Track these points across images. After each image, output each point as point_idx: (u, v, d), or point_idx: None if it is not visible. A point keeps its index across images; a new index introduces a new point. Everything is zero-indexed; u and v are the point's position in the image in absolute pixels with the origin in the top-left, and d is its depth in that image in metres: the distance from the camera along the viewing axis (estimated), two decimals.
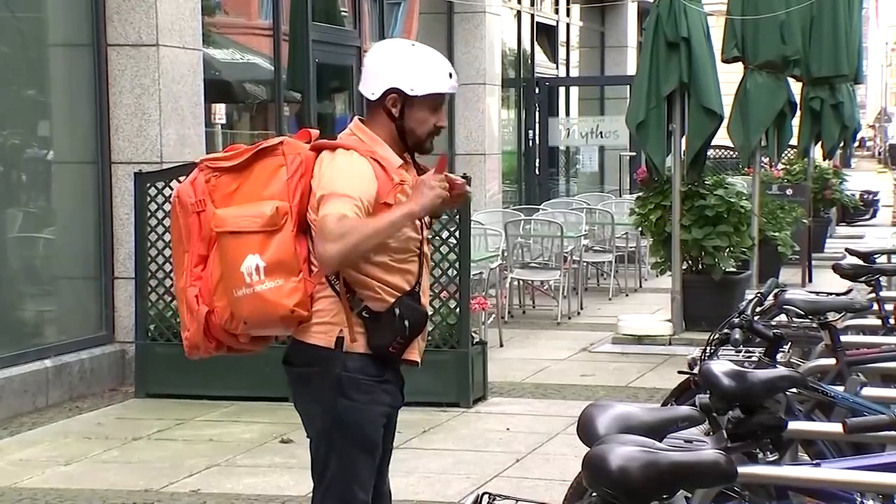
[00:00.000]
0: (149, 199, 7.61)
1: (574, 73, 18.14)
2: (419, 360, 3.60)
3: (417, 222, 3.51)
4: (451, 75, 3.53)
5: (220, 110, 9.89)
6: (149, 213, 7.61)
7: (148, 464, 6.05)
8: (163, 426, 6.81)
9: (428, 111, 3.50)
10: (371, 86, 3.51)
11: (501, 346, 9.16)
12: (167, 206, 7.59)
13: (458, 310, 7.14)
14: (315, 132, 3.62)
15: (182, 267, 3.53)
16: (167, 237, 7.59)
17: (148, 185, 7.62)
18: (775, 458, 3.12)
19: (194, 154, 8.24)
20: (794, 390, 3.86)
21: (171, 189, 7.57)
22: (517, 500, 2.96)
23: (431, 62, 3.52)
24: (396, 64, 3.50)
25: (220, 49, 10.20)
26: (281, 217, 3.39)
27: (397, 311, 3.44)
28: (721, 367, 3.11)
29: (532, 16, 15.85)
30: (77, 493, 5.57)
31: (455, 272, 7.20)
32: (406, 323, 3.45)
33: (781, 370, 3.37)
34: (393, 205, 3.42)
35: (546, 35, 16.83)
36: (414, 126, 3.50)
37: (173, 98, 8.09)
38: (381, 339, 3.46)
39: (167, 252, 7.58)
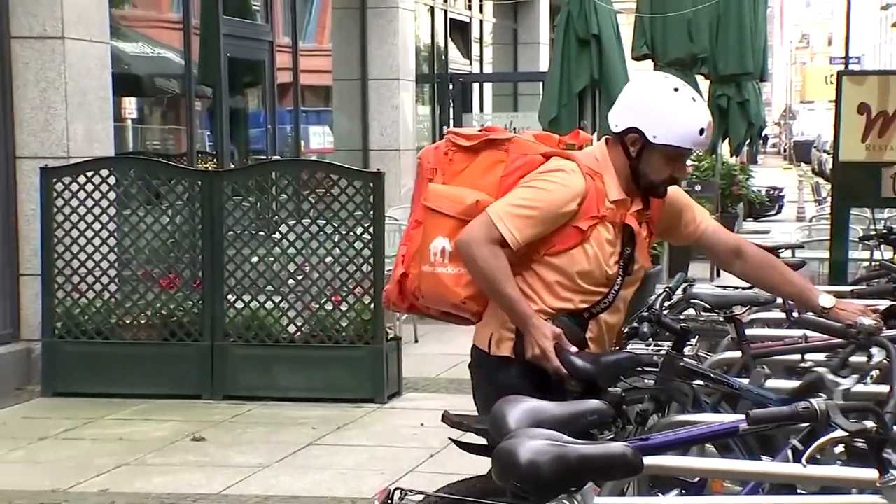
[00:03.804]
0: (55, 194, 7.47)
1: (487, 69, 18.22)
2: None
3: (611, 269, 3.43)
4: (702, 132, 3.38)
5: (130, 105, 9.74)
6: (55, 209, 7.47)
7: (55, 464, 5.95)
8: (70, 425, 6.69)
9: (665, 160, 3.41)
10: (617, 117, 3.46)
11: (416, 341, 9.17)
12: (74, 202, 7.47)
13: (372, 305, 7.14)
14: (586, 136, 3.60)
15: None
16: (75, 233, 7.46)
17: (54, 180, 7.47)
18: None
19: (103, 149, 8.12)
20: (700, 383, 3.96)
21: (79, 184, 7.46)
22: (428, 495, 2.98)
23: (685, 114, 3.38)
24: (649, 105, 3.40)
25: (130, 42, 10.04)
26: (479, 210, 3.38)
27: (550, 322, 3.39)
28: (578, 354, 3.36)
29: (445, 12, 15.88)
30: None
31: (369, 268, 7.20)
32: None
33: (626, 353, 3.57)
34: (586, 231, 3.38)
35: (460, 31, 16.88)
36: (647, 171, 3.43)
37: (80, 92, 7.94)
38: (522, 348, 3.41)
39: (74, 248, 7.46)
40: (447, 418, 3.31)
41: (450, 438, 3.31)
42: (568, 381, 3.32)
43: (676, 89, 3.41)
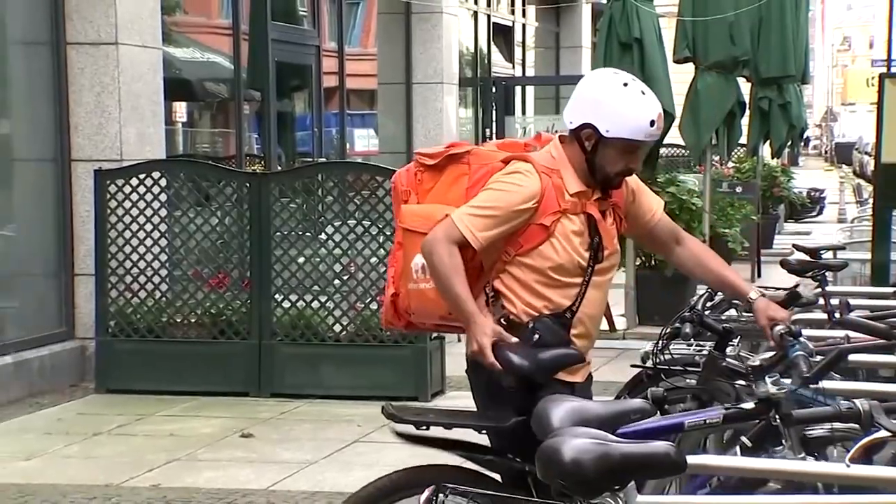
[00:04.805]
0: (109, 196, 7.63)
1: (530, 72, 18.27)
2: (570, 380, 3.55)
3: (583, 259, 3.50)
4: (652, 123, 3.45)
5: (180, 108, 9.91)
6: (109, 211, 7.63)
7: (108, 459, 6.08)
8: (123, 421, 6.83)
9: (619, 153, 3.48)
10: (571, 114, 3.54)
11: (459, 340, 9.20)
12: (127, 204, 7.64)
13: None
14: (548, 137, 3.66)
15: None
16: (127, 234, 7.63)
17: (108, 182, 7.64)
18: None
19: (154, 152, 8.29)
20: (741, 383, 4.02)
21: (131, 186, 7.63)
22: (472, 492, 3.06)
23: (636, 107, 3.45)
24: (600, 101, 3.47)
25: (181, 48, 10.22)
26: None
27: (532, 325, 3.49)
28: (516, 350, 3.41)
29: (488, 16, 15.96)
30: (37, 489, 5.59)
31: None
32: (536, 338, 3.49)
33: (566, 350, 3.54)
34: (549, 227, 3.47)
35: (502, 35, 16.95)
36: (603, 164, 3.50)
37: (133, 96, 8.12)
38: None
39: (127, 249, 7.62)
40: (384, 410, 3.46)
41: (391, 429, 3.46)
42: (504, 377, 3.40)
43: (626, 84, 3.49)
